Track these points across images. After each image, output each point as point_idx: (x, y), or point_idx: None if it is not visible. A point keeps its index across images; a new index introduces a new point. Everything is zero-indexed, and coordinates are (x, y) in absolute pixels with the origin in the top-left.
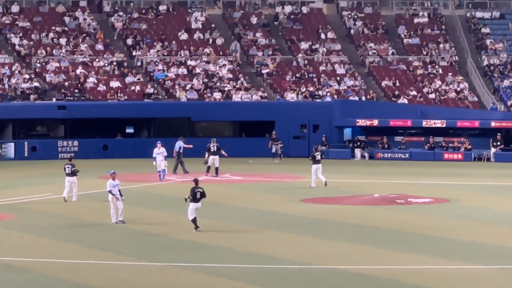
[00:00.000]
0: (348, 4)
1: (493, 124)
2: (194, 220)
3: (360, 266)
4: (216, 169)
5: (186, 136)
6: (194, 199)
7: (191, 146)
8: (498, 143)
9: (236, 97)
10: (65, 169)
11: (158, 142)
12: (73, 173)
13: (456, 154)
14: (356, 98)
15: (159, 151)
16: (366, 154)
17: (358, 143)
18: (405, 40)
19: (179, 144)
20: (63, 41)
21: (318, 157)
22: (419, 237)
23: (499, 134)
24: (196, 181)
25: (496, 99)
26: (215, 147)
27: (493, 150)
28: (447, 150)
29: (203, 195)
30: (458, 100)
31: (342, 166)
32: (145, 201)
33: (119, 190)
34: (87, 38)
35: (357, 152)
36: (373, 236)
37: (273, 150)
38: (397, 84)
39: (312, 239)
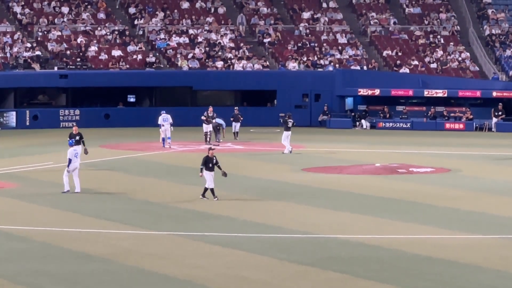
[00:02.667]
0: None
1: (494, 94)
2: (212, 190)
3: (362, 235)
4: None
5: (188, 105)
6: (210, 167)
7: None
8: (500, 113)
9: (238, 66)
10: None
11: (163, 111)
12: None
13: (457, 124)
14: (358, 68)
15: (165, 118)
16: (368, 124)
17: (359, 113)
18: (406, 10)
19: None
20: (65, 9)
21: (290, 124)
22: (420, 207)
23: (500, 104)
24: (211, 149)
25: (498, 69)
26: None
27: (494, 120)
28: (449, 119)
29: (216, 164)
30: (459, 70)
31: (344, 136)
32: (147, 170)
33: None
34: (89, 7)
35: (363, 122)
36: (374, 206)
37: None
38: (399, 53)
39: (314, 209)
